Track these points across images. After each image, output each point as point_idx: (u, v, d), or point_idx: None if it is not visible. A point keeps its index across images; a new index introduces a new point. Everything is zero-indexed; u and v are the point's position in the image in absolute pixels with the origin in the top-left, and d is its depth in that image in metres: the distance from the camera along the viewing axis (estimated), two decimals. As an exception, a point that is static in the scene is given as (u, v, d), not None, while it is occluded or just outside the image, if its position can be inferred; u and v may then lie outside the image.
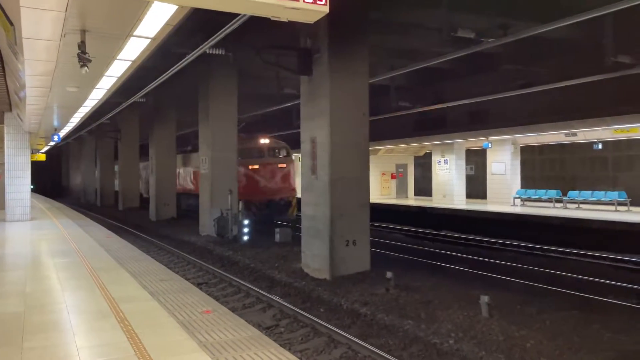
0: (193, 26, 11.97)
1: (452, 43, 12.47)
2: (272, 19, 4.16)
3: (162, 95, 23.43)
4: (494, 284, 10.40)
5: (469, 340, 7.16)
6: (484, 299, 8.08)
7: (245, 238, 16.41)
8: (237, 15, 8.69)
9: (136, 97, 18.58)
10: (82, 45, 6.95)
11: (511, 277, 11.24)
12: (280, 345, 6.91)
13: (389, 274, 10.04)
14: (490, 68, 15.78)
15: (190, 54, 12.17)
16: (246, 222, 16.63)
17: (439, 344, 7.13)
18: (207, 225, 18.43)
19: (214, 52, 13.24)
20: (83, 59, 6.97)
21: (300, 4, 3.82)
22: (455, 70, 17.01)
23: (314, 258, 11.57)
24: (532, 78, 14.74)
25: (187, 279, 10.94)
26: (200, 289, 9.86)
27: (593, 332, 7.24)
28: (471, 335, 7.31)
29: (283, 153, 21.93)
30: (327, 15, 4.23)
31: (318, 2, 3.91)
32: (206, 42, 11.28)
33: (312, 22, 4.33)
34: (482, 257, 14.22)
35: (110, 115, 23.68)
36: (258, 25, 9.56)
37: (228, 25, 9.58)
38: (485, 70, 16.15)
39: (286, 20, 4.13)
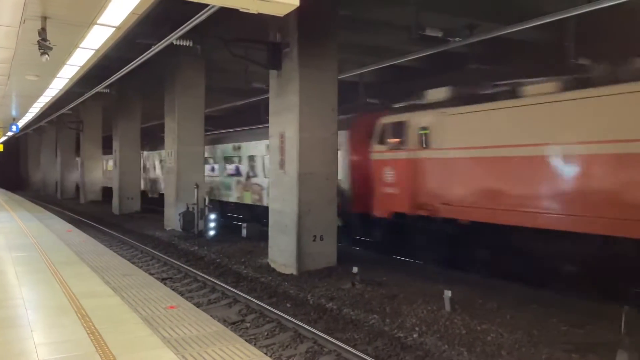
0: (160, 16, 11.71)
1: (420, 42, 12.62)
2: (241, 10, 4.11)
3: (127, 87, 22.88)
4: (458, 279, 10.60)
5: (433, 334, 7.30)
6: (447, 293, 8.23)
7: (212, 233, 16.23)
8: (205, 6, 8.57)
9: (100, 88, 18.13)
10: (42, 33, 6.73)
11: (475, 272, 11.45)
12: (246, 340, 6.88)
13: (355, 269, 10.12)
14: (457, 67, 16.03)
15: (157, 45, 11.93)
16: (212, 216, 16.45)
17: (404, 337, 7.24)
18: (172, 219, 18.15)
19: (181, 44, 12.98)
20: (44, 46, 6.75)
21: (270, -3, 3.80)
22: (423, 68, 17.22)
23: (281, 253, 11.55)
24: (497, 78, 15.04)
25: (151, 274, 10.77)
26: (165, 284, 9.72)
27: (551, 326, 7.48)
28: (434, 329, 7.45)
29: None
30: (297, 10, 4.21)
31: (288, -5, 3.89)
32: (174, 33, 11.09)
33: (281, 15, 4.30)
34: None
35: (72, 105, 23.02)
36: (227, 17, 9.43)
37: (196, 17, 9.44)
38: (452, 69, 16.40)
39: (256, 12, 4.09)
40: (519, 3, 11.47)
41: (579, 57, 11.95)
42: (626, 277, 8.17)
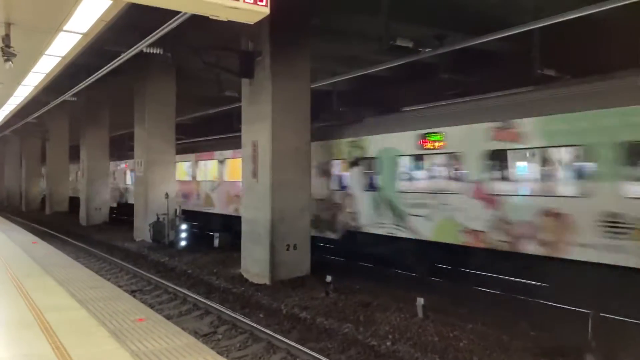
0: (129, 23, 11.51)
1: (391, 51, 12.76)
2: (211, 17, 4.07)
3: (95, 95, 22.41)
4: (430, 286, 10.68)
5: (406, 341, 7.31)
6: (420, 301, 8.28)
7: (183, 243, 15.97)
8: (176, 13, 8.47)
9: (67, 96, 17.71)
10: (6, 39, 6.55)
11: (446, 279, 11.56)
12: (218, 352, 6.77)
13: (328, 278, 10.08)
14: (428, 77, 16.27)
15: (126, 53, 11.74)
16: (183, 227, 16.19)
17: (377, 345, 7.23)
18: (142, 230, 17.79)
19: (151, 51, 12.82)
20: (7, 53, 6.57)
21: (240, 4, 3.77)
22: (395, 77, 17.42)
23: (254, 263, 11.44)
24: (465, 87, 15.34)
25: (120, 286, 10.51)
26: (134, 296, 9.50)
27: (520, 331, 7.59)
28: (407, 337, 7.46)
29: None
30: (269, 18, 4.21)
31: (258, 3, 3.87)
32: (143, 41, 10.93)
33: (252, 23, 4.29)
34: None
35: (38, 114, 22.41)
36: (198, 25, 9.35)
37: (167, 24, 9.33)
38: (423, 78, 16.64)
39: (226, 20, 4.06)
40: (486, 15, 11.73)
41: (544, 67, 12.29)
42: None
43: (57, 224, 24.77)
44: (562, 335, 7.23)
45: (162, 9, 4.52)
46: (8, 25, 6.37)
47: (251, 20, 4.13)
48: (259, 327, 7.99)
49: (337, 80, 16.35)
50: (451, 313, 8.48)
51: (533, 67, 12.14)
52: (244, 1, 3.78)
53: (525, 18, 10.58)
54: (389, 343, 7.27)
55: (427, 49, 12.55)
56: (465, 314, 8.44)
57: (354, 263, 13.30)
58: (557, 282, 8.73)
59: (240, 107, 12.42)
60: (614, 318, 7.52)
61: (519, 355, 6.65)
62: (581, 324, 6.64)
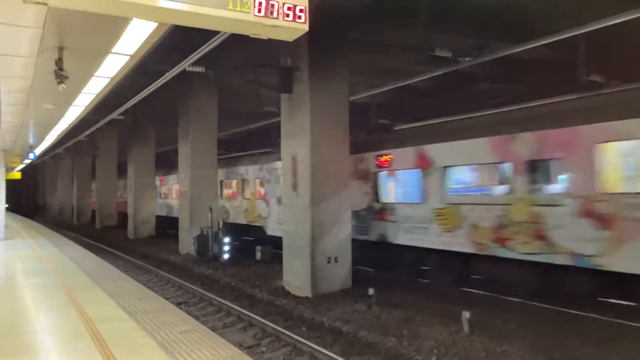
0: (173, 44, 11.94)
1: (430, 62, 12.67)
2: (251, 36, 4.18)
3: (141, 113, 23.25)
4: (475, 299, 10.44)
5: (452, 356, 7.16)
6: (465, 315, 8.09)
7: (226, 256, 16.21)
8: (217, 32, 8.72)
9: (114, 115, 18.43)
10: (59, 62, 6.90)
11: (492, 292, 11.29)
12: (262, 364, 6.83)
13: (370, 291, 10.01)
14: (467, 86, 16.05)
15: (170, 71, 12.15)
16: (226, 240, 16.46)
17: (422, 360, 7.10)
18: (186, 243, 18.20)
19: (194, 70, 13.23)
20: (60, 75, 6.91)
21: (280, 22, 3.86)
22: (434, 88, 17.26)
23: (295, 276, 11.49)
24: (508, 96, 15.04)
25: (166, 299, 10.76)
26: (180, 308, 9.70)
27: (572, 347, 7.30)
28: (453, 352, 7.30)
29: None
30: (307, 34, 4.28)
31: (297, 21, 3.95)
32: (186, 60, 11.30)
33: (291, 40, 4.37)
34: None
35: (88, 132, 23.40)
36: (238, 43, 9.60)
37: (208, 43, 9.62)
38: (462, 88, 16.42)
39: (266, 38, 4.16)
40: (526, 22, 11.50)
41: (591, 74, 11.90)
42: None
43: (106, 237, 25.65)
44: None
45: (204, 30, 4.68)
46: (61, 49, 6.73)
47: (291, 37, 4.21)
48: (302, 339, 8.00)
49: (375, 92, 16.33)
50: (499, 327, 8.25)
51: (578, 73, 11.77)
52: (284, 19, 3.87)
53: (568, 24, 10.31)
54: (434, 358, 7.13)
55: (467, 58, 12.40)
56: (513, 329, 8.20)
57: (395, 276, 13.16)
58: None
59: (279, 121, 12.60)
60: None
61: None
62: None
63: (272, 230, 17.98)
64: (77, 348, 5.43)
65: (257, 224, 19.31)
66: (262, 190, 19.10)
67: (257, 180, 19.59)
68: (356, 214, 13.18)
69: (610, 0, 9.60)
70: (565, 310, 9.31)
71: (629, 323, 8.23)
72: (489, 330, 8.04)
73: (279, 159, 13.71)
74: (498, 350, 7.21)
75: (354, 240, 11.97)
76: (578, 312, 9.14)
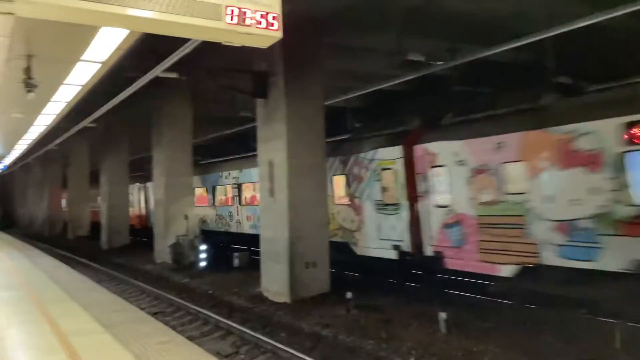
0: (145, 50, 11.81)
1: (403, 66, 12.83)
2: (224, 44, 4.17)
3: (113, 120, 22.84)
4: (452, 300, 10.55)
5: (430, 357, 7.23)
6: (442, 315, 8.19)
7: (203, 264, 16.05)
8: (190, 38, 8.66)
9: (86, 122, 18.08)
10: (27, 71, 6.75)
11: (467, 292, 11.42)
12: (241, 373, 6.78)
13: (349, 295, 10.04)
14: (441, 89, 16.29)
15: (142, 78, 11.99)
16: (203, 247, 16.29)
17: (401, 362, 7.15)
18: (162, 252, 17.94)
19: (167, 76, 13.08)
20: (29, 84, 6.77)
21: (253, 30, 3.86)
22: (408, 91, 17.46)
23: (274, 282, 11.44)
24: (480, 99, 15.30)
25: (142, 309, 10.60)
26: (156, 318, 9.56)
27: (546, 343, 7.44)
28: (431, 352, 7.37)
29: None
30: (282, 39, 4.29)
31: (270, 28, 3.96)
32: (159, 66, 11.17)
33: (265, 47, 4.37)
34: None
35: (58, 141, 22.92)
36: (212, 49, 9.53)
37: (181, 49, 9.54)
38: (436, 91, 16.65)
39: (239, 45, 4.15)
40: (497, 25, 11.73)
41: (559, 75, 12.20)
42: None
43: (79, 248, 25.10)
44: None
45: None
46: (29, 57, 6.59)
47: (264, 44, 4.22)
48: (281, 346, 7.97)
49: (350, 96, 16.43)
50: (475, 327, 8.36)
51: (547, 75, 12.06)
52: (257, 27, 3.87)
53: (537, 27, 10.56)
54: (412, 359, 7.18)
55: (439, 62, 12.59)
56: (488, 328, 8.32)
57: (373, 278, 13.21)
58: None
59: (255, 127, 12.56)
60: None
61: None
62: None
63: (365, 248, 12.87)
64: (51, 363, 5.30)
65: (338, 239, 13.65)
66: (345, 192, 13.76)
67: (339, 179, 14.02)
68: (566, 226, 8.50)
69: (577, 3, 9.87)
70: (537, 307, 9.49)
71: (598, 318, 8.41)
72: (465, 330, 8.15)
73: (379, 145, 11.34)
74: (474, 350, 7.31)
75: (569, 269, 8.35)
76: (551, 310, 9.31)
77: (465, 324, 8.47)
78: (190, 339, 8.48)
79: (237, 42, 4.05)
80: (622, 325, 6.49)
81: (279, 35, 4.04)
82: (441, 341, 7.76)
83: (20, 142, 17.13)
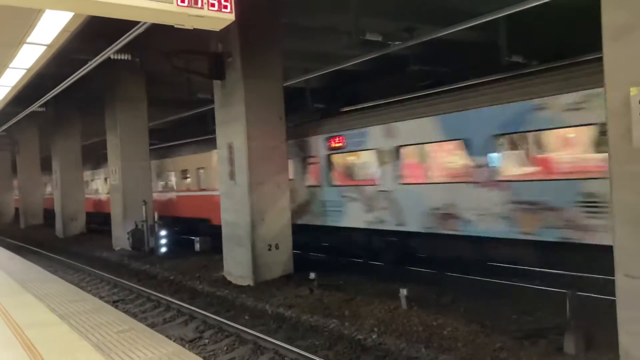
0: (95, 31, 11.33)
1: (361, 46, 12.82)
2: (176, 27, 4.05)
3: (64, 104, 21.98)
4: (413, 276, 10.82)
5: (391, 333, 7.41)
6: (403, 292, 8.39)
7: (163, 250, 15.83)
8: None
9: (35, 107, 17.33)
10: (-33, 53, 6.38)
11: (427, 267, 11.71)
12: (204, 357, 6.78)
13: (312, 275, 10.13)
14: (399, 69, 16.41)
15: (93, 60, 11.55)
16: (163, 233, 16.04)
17: (363, 339, 7.31)
18: (120, 238, 17.57)
19: (119, 58, 12.64)
20: (-31, 67, 6.39)
21: (205, 12, 3.76)
22: (367, 71, 17.50)
23: (237, 265, 11.42)
24: (437, 78, 15.51)
25: (101, 298, 10.41)
26: (116, 307, 9.40)
27: (502, 315, 7.76)
28: (393, 329, 7.56)
29: None
30: (238, 19, 4.20)
31: (223, 10, 3.86)
32: (110, 47, 10.77)
33: (218, 30, 4.27)
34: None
35: (6, 126, 21.89)
36: (165, 30, 9.23)
37: (132, 30, 9.22)
38: (394, 71, 16.77)
39: (191, 28, 4.04)
40: (452, 5, 11.86)
41: (512, 55, 12.49)
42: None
43: (33, 237, 24.27)
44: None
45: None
46: (-31, 40, 6.23)
47: (217, 27, 4.12)
48: (244, 329, 7.99)
49: (309, 77, 16.34)
50: (434, 302, 8.62)
51: (500, 55, 12.33)
52: (209, 9, 3.77)
53: (491, 7, 10.74)
54: (374, 336, 7.36)
55: (397, 42, 12.64)
56: (447, 302, 8.59)
57: (335, 258, 13.37)
58: None
59: (213, 109, 12.34)
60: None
61: (501, 339, 6.79)
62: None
63: None
64: (6, 357, 5.14)
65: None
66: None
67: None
68: None
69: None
70: (495, 280, 9.86)
71: (552, 289, 8.82)
72: (425, 305, 8.38)
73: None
74: (434, 324, 7.54)
75: None
76: (508, 282, 9.70)
77: (425, 299, 8.72)
78: (153, 325, 8.41)
79: (188, 24, 3.94)
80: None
81: (231, 17, 3.96)
82: (402, 317, 7.95)
83: (-37, 128, 16.27)
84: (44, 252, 18.97)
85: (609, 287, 5.48)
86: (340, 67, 15.00)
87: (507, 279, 9.81)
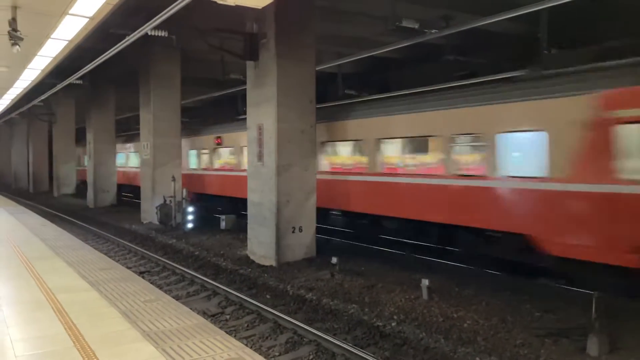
0: (135, 5, 11.49)
1: (397, 33, 12.66)
2: (219, 2, 4.07)
3: (101, 78, 22.42)
4: (436, 267, 10.77)
5: (411, 322, 7.42)
6: (425, 282, 8.37)
7: (190, 225, 16.11)
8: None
9: (72, 79, 17.69)
10: (12, 23, 6.55)
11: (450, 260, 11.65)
12: (226, 332, 6.91)
13: (334, 260, 10.19)
14: (434, 58, 16.16)
15: (131, 36, 11.69)
16: (190, 209, 16.32)
17: (382, 326, 7.34)
18: (149, 212, 17.94)
19: (156, 34, 12.78)
20: (14, 37, 6.58)
21: (247, -11, 3.77)
22: (401, 59, 17.29)
23: (260, 245, 11.55)
24: (473, 69, 15.22)
25: (129, 268, 10.68)
26: (143, 277, 9.64)
27: (525, 312, 7.67)
28: (412, 317, 7.57)
29: None
30: (275, 0, 4.19)
31: (265, -12, 3.86)
32: (148, 23, 10.84)
33: (259, 7, 4.28)
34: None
35: (44, 97, 22.46)
36: (203, 8, 9.30)
37: (171, 6, 9.24)
38: (429, 60, 16.52)
39: (234, 5, 4.06)
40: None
41: (552, 47, 12.14)
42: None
43: (65, 206, 24.99)
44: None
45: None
46: (14, 8, 6.37)
47: (259, 4, 4.14)
48: (266, 307, 8.11)
49: (342, 62, 16.24)
50: (456, 294, 8.57)
51: (540, 48, 11.99)
52: (251, -14, 3.78)
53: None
54: (394, 324, 7.38)
55: (433, 30, 12.44)
56: (469, 295, 8.53)
57: (358, 244, 13.39)
58: None
59: (245, 89, 12.40)
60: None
61: (522, 336, 6.73)
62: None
63: None
64: (37, 318, 5.36)
65: None
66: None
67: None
68: None
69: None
70: (519, 277, 9.73)
71: (577, 289, 8.67)
72: (447, 297, 8.35)
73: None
74: (455, 316, 7.52)
75: None
76: (531, 280, 9.57)
77: (447, 291, 8.69)
78: (177, 298, 8.60)
79: (231, 1, 3.96)
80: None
81: (273, -5, 3.96)
82: (423, 307, 7.95)
83: (5, 96, 16.73)
84: (75, 220, 19.53)
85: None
86: (373, 53, 14.85)
87: (533, 277, 9.67)
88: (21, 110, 28.66)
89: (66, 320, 5.23)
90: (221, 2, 4.03)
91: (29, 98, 23.11)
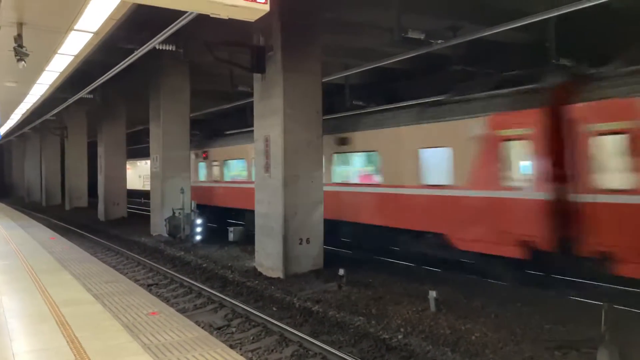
0: (141, 20, 11.64)
1: (403, 44, 12.66)
2: (212, 16, 4.09)
3: (111, 92, 22.70)
4: (443, 278, 10.64)
5: (418, 334, 7.31)
6: (432, 294, 8.26)
7: (198, 238, 16.14)
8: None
9: (83, 93, 17.94)
10: (18, 39, 6.65)
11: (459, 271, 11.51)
12: (231, 345, 6.88)
13: (341, 271, 10.11)
14: (440, 69, 16.13)
15: (139, 50, 11.84)
16: (199, 221, 16.36)
17: (389, 339, 7.24)
18: (158, 225, 18.01)
19: (164, 48, 12.92)
20: (20, 52, 6.67)
21: (239, 2, 3.78)
22: (408, 70, 17.28)
23: (268, 257, 11.52)
24: (479, 79, 15.15)
25: (137, 281, 10.71)
26: (150, 290, 9.66)
27: (534, 324, 7.53)
28: (419, 330, 7.46)
29: None
30: (280, 13, 4.22)
31: (258, 1, 3.88)
32: (155, 38, 11.00)
33: (252, 21, 4.30)
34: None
35: (55, 111, 22.79)
36: (210, 21, 9.37)
37: (177, 21, 9.37)
38: (435, 70, 16.48)
39: (227, 18, 4.08)
40: (499, 5, 11.56)
41: (560, 57, 12.07)
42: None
43: (76, 219, 25.19)
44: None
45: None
46: (20, 25, 6.47)
47: (251, 17, 4.15)
48: (272, 320, 8.05)
49: (348, 73, 16.27)
50: (464, 306, 8.45)
51: (548, 57, 11.92)
52: None
53: (540, 7, 10.40)
54: (400, 336, 7.27)
55: (439, 41, 12.42)
56: (478, 307, 8.40)
57: (365, 256, 13.30)
58: None
59: (252, 102, 12.46)
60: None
61: (531, 348, 6.60)
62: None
63: None
64: (41, 331, 5.37)
65: None
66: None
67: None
68: None
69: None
70: (528, 288, 9.57)
71: (587, 301, 8.52)
72: (455, 309, 8.23)
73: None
74: (462, 328, 7.40)
75: None
76: (540, 291, 9.41)
77: (455, 302, 8.56)
78: (183, 311, 8.59)
79: (224, 14, 3.98)
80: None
81: (266, 8, 3.97)
82: (430, 319, 7.84)
83: (16, 111, 16.99)
84: (85, 233, 19.66)
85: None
86: (380, 64, 14.86)
87: (543, 288, 9.52)
88: (34, 124, 29.08)
89: (68, 333, 5.22)
90: (214, 16, 4.06)
91: (40, 113, 23.46)
